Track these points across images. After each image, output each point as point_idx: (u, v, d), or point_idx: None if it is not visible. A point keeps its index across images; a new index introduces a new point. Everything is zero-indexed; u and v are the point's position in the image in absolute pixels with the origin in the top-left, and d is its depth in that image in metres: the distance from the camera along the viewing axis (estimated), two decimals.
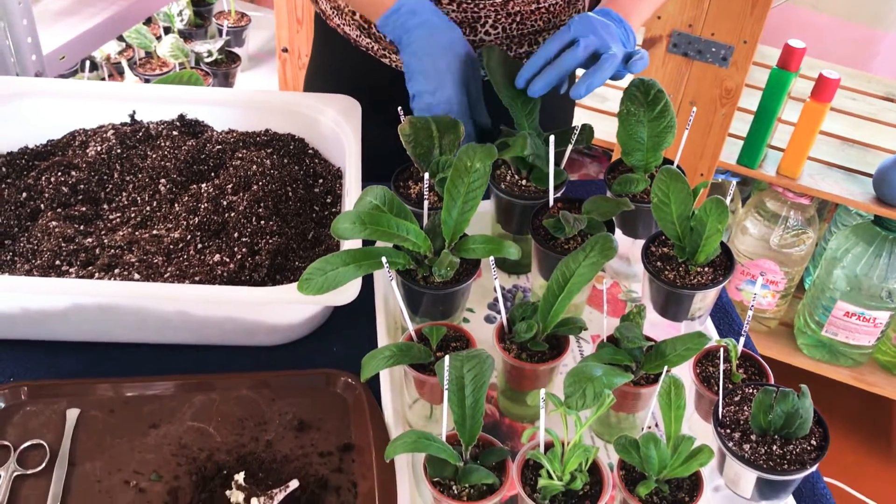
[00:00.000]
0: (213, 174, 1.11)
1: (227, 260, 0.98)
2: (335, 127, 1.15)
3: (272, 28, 2.30)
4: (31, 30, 1.40)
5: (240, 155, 1.11)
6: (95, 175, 1.09)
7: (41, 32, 1.43)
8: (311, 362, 0.98)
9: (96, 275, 0.96)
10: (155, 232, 1.02)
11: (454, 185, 0.91)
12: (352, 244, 0.94)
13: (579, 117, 1.34)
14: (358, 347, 0.92)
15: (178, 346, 0.99)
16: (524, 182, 1.04)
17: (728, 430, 0.80)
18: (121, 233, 1.03)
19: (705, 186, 1.00)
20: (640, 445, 0.76)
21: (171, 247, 0.99)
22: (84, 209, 1.06)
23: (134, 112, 1.17)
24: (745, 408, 0.82)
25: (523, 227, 1.05)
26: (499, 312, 0.90)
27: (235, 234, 1.01)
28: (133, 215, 1.06)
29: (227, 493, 0.82)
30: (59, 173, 1.08)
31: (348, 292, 0.90)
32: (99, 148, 1.11)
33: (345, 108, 1.16)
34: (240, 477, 0.83)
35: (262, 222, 1.02)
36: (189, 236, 1.01)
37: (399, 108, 1.04)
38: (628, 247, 1.11)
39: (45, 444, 0.87)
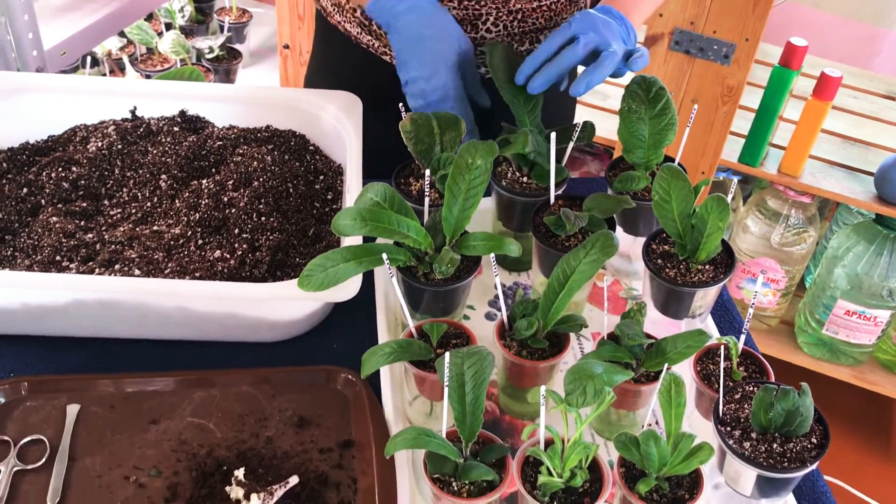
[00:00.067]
0: (213, 170, 1.11)
1: (228, 256, 0.98)
2: (336, 123, 1.15)
3: (273, 24, 2.30)
4: (32, 25, 1.40)
5: (240, 151, 1.11)
6: (96, 171, 1.09)
7: (42, 28, 1.43)
8: (312, 359, 0.98)
9: (97, 270, 0.96)
10: (155, 228, 1.02)
11: (455, 182, 0.91)
12: (352, 241, 0.94)
13: (581, 115, 1.34)
14: (358, 344, 0.91)
15: (178, 341, 0.99)
16: (525, 179, 1.04)
17: (728, 428, 0.80)
18: (121, 228, 1.03)
19: (706, 184, 1.00)
20: (640, 443, 0.76)
21: (172, 243, 0.99)
22: (85, 205, 1.06)
23: (135, 108, 1.17)
24: (746, 405, 0.82)
25: (524, 224, 1.05)
26: (499, 309, 0.90)
27: (236, 231, 1.01)
28: (134, 211, 1.06)
29: (227, 489, 0.82)
30: (60, 169, 1.08)
31: (349, 289, 0.90)
32: (100, 144, 1.11)
33: (346, 105, 1.16)
34: (240, 473, 0.83)
35: (263, 219, 1.02)
36: (190, 232, 1.00)
37: (400, 104, 1.03)
38: (629, 244, 1.11)
39: (45, 440, 0.87)
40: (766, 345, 2.19)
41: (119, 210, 1.06)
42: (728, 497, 0.85)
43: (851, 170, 2.00)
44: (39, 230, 1.01)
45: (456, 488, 0.77)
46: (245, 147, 1.12)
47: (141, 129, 1.14)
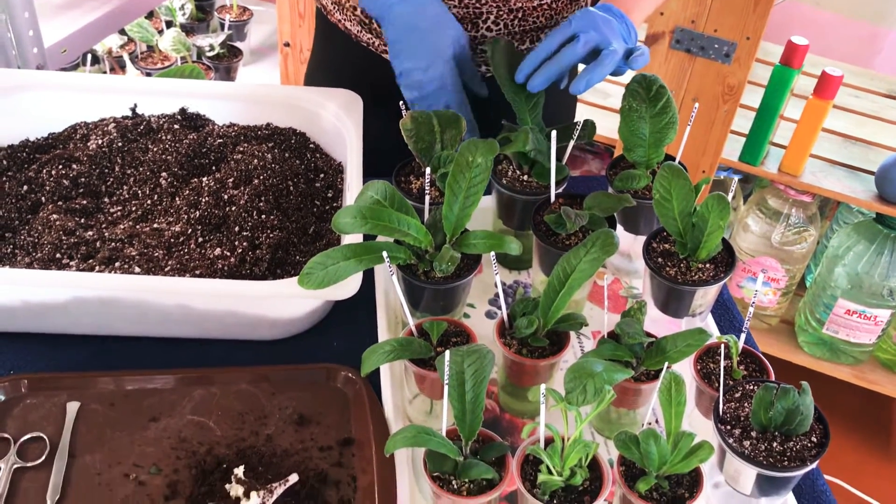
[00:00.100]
0: (214, 168, 1.11)
1: (228, 254, 0.98)
2: (336, 121, 1.15)
3: (274, 22, 2.30)
4: (32, 22, 1.40)
5: (241, 149, 1.11)
6: (96, 168, 1.09)
7: (43, 25, 1.43)
8: (312, 357, 0.98)
9: (97, 268, 0.96)
10: (156, 225, 1.02)
11: (455, 180, 0.91)
12: (353, 239, 0.94)
13: (581, 113, 1.34)
14: (358, 342, 0.91)
15: (178, 339, 0.99)
16: (526, 177, 1.04)
17: (728, 427, 0.80)
18: (121, 226, 1.03)
19: (707, 183, 1.00)
20: (640, 441, 0.76)
21: (172, 240, 0.99)
22: (85, 202, 1.06)
23: (135, 105, 1.17)
24: (746, 404, 0.82)
25: (524, 222, 1.05)
26: (499, 308, 0.90)
27: (236, 228, 1.01)
28: (134, 209, 1.06)
29: (227, 486, 0.82)
30: (60, 166, 1.08)
31: (349, 287, 0.90)
32: (100, 141, 1.11)
33: (346, 103, 1.16)
34: (239, 471, 0.83)
35: (263, 216, 1.02)
36: (190, 230, 1.00)
37: (401, 102, 1.03)
38: (630, 243, 1.11)
39: (45, 437, 0.87)
40: (767, 344, 2.19)
41: (119, 208, 1.06)
42: (728, 496, 0.85)
43: (852, 169, 2.00)
44: (40, 228, 1.01)
45: (456, 486, 0.77)
46: (245, 145, 1.12)
47: (141, 127, 1.14)
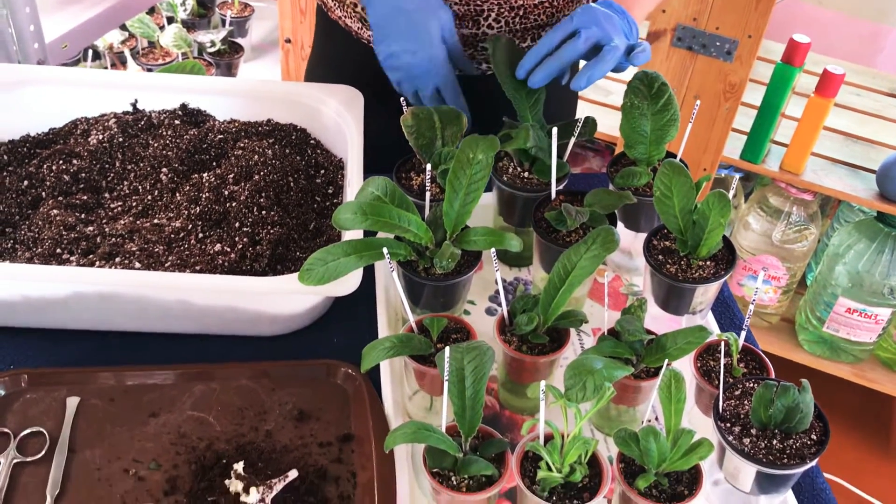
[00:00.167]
0: (214, 164, 1.10)
1: (228, 250, 0.98)
2: (337, 117, 1.15)
3: (275, 18, 2.29)
4: (33, 17, 1.40)
5: (241, 145, 1.11)
6: (97, 163, 1.09)
7: (44, 20, 1.43)
8: (312, 353, 0.98)
9: (97, 263, 0.96)
10: (156, 221, 1.02)
11: (456, 176, 0.91)
12: (353, 235, 0.94)
13: (583, 111, 1.33)
14: (358, 338, 0.91)
15: (178, 335, 0.99)
16: (526, 174, 1.04)
17: (728, 424, 0.80)
18: (122, 221, 1.03)
19: (708, 180, 1.00)
20: (639, 438, 0.76)
21: (172, 236, 0.99)
22: (85, 197, 1.06)
23: (136, 101, 1.17)
24: (746, 402, 0.82)
25: (525, 219, 1.05)
26: (500, 305, 0.90)
27: (237, 224, 1.01)
28: (134, 204, 1.06)
29: (227, 482, 0.82)
30: (61, 161, 1.08)
31: (349, 283, 0.90)
32: (101, 136, 1.11)
33: (347, 99, 1.16)
34: (239, 466, 0.83)
35: (264, 212, 1.02)
36: (190, 226, 1.00)
37: (401, 98, 1.03)
38: (630, 240, 1.11)
39: (44, 432, 0.87)
40: (767, 342, 2.19)
41: (120, 203, 1.06)
42: (727, 493, 0.85)
43: (853, 167, 1.99)
44: (40, 223, 1.01)
45: (455, 483, 0.77)
46: (246, 141, 1.12)
47: (142, 123, 1.14)
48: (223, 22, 2.48)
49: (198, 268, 0.95)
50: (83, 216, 1.03)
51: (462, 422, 0.78)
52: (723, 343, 0.86)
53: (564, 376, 0.78)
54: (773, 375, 0.87)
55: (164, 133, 1.12)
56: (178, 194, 1.06)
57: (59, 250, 0.97)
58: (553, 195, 1.00)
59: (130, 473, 0.84)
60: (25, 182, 1.06)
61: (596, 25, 0.98)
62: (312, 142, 1.17)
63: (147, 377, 0.93)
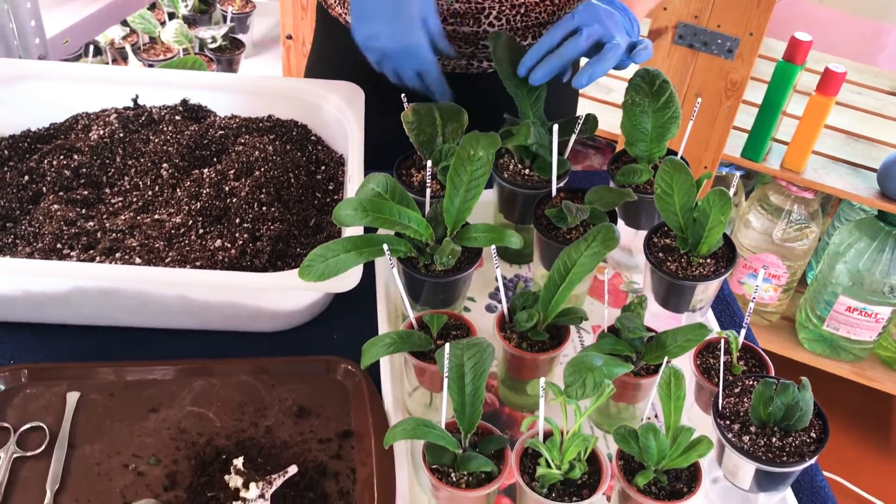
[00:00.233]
0: (215, 159, 1.10)
1: (229, 245, 0.98)
2: (338, 114, 1.15)
3: (277, 15, 2.29)
4: (34, 12, 1.40)
5: (242, 141, 1.11)
6: (98, 159, 1.09)
7: (45, 15, 1.43)
8: (312, 349, 0.98)
9: (97, 259, 0.96)
10: (157, 216, 1.02)
11: (457, 173, 0.91)
12: (353, 231, 0.94)
13: (584, 108, 1.33)
14: (358, 334, 0.91)
15: (178, 330, 0.99)
16: (527, 171, 1.04)
17: (727, 422, 0.80)
18: (122, 217, 1.03)
19: (709, 178, 1.00)
20: (639, 436, 0.76)
21: (173, 231, 0.99)
22: (86, 193, 1.06)
23: (137, 96, 1.17)
24: (745, 399, 0.82)
25: (526, 216, 1.05)
26: (500, 302, 0.90)
27: (237, 220, 1.01)
28: (135, 200, 1.06)
29: (226, 477, 0.82)
30: (62, 157, 1.08)
31: (349, 279, 0.90)
32: (101, 132, 1.11)
33: (348, 95, 1.16)
34: (239, 462, 0.83)
35: (264, 208, 1.02)
36: (191, 221, 1.00)
37: (402, 95, 1.03)
38: (630, 238, 1.11)
39: (44, 427, 0.87)
40: (767, 341, 2.19)
41: (120, 198, 1.06)
42: (727, 491, 0.85)
43: (854, 166, 1.99)
44: (40, 218, 1.01)
45: (454, 479, 0.77)
46: (247, 137, 1.12)
47: (143, 118, 1.14)
48: (224, 18, 2.47)
49: (198, 263, 0.95)
50: (84, 211, 1.03)
51: (462, 418, 0.78)
52: (722, 341, 0.86)
53: (564, 373, 0.78)
54: (772, 373, 0.87)
55: (165, 129, 1.12)
56: (178, 190, 1.06)
57: (59, 245, 0.97)
58: (554, 192, 1.00)
59: (130, 468, 0.84)
60: (26, 177, 1.06)
61: (597, 23, 0.98)
62: (313, 138, 1.17)
63: (147, 372, 0.93)
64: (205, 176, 1.06)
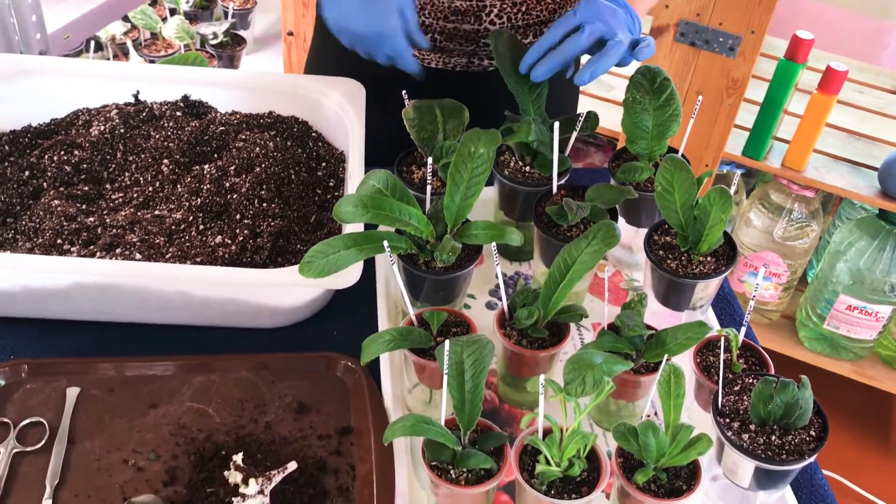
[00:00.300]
0: (215, 156, 1.10)
1: (229, 241, 0.98)
2: (339, 110, 1.15)
3: (278, 11, 2.29)
4: (35, 7, 1.40)
5: (243, 137, 1.11)
6: (98, 154, 1.09)
7: (46, 11, 1.43)
8: (312, 345, 0.98)
9: (98, 254, 0.96)
10: (157, 212, 1.02)
11: (457, 170, 0.91)
12: (354, 228, 0.94)
13: (585, 106, 1.34)
14: (358, 331, 0.91)
15: (178, 326, 0.99)
16: (528, 168, 1.04)
17: (727, 420, 0.80)
18: (123, 213, 1.03)
19: (710, 176, 0.99)
20: (638, 433, 0.76)
21: (173, 227, 0.99)
22: (86, 188, 1.06)
23: (138, 92, 1.17)
24: (745, 397, 0.82)
25: (526, 213, 1.05)
26: (500, 299, 0.90)
27: (237, 216, 1.01)
28: (135, 195, 1.06)
29: (226, 473, 0.82)
30: (62, 152, 1.08)
31: (349, 276, 0.90)
32: (102, 127, 1.11)
33: (349, 92, 1.16)
34: (238, 458, 0.83)
35: (265, 204, 1.02)
36: (191, 217, 1.00)
37: (403, 92, 1.03)
38: (631, 235, 1.10)
39: (44, 422, 0.87)
40: (767, 339, 2.19)
41: (121, 194, 1.06)
42: (726, 489, 0.85)
43: (856, 164, 1.99)
44: (41, 213, 1.01)
45: (454, 476, 0.77)
46: (247, 133, 1.12)
47: (143, 114, 1.14)
48: (226, 14, 2.47)
49: (198, 259, 0.95)
50: (84, 207, 1.03)
51: (461, 415, 0.78)
52: (722, 339, 0.86)
53: (564, 371, 0.78)
54: (772, 372, 0.87)
55: (166, 124, 1.12)
56: (179, 186, 1.06)
57: (59, 241, 0.97)
58: (554, 190, 1.00)
59: (130, 464, 0.84)
60: (27, 172, 1.06)
61: (600, 20, 0.98)
62: (314, 134, 1.17)
63: (147, 368, 0.93)
64: (205, 172, 1.06)
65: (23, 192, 1.05)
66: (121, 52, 2.34)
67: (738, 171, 0.98)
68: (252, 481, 0.81)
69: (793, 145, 1.92)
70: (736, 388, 0.83)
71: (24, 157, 1.08)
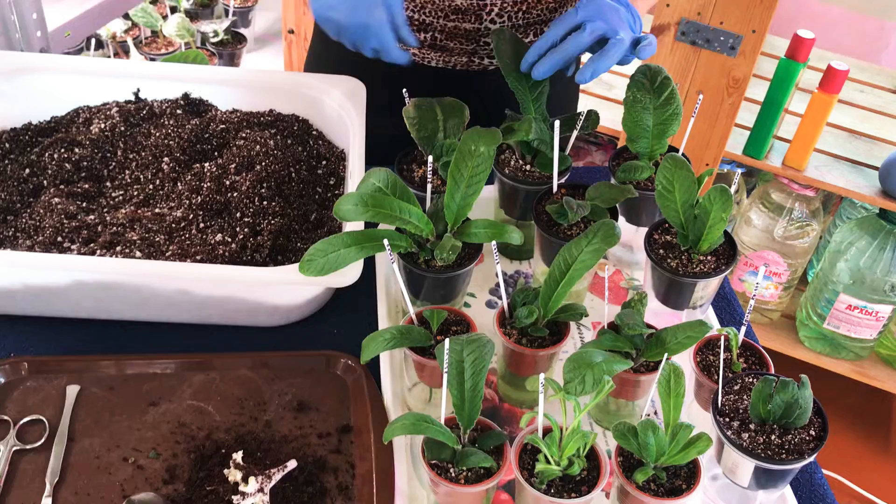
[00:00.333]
0: (216, 154, 1.10)
1: (229, 240, 0.98)
2: (339, 109, 1.15)
3: (279, 9, 2.29)
4: (36, 5, 1.40)
5: (243, 135, 1.10)
6: (99, 152, 1.09)
7: (47, 8, 1.43)
8: (312, 343, 0.98)
9: (98, 252, 0.96)
10: (157, 210, 1.02)
11: (458, 168, 0.91)
12: (354, 226, 0.94)
13: (585, 105, 1.34)
14: (358, 330, 0.91)
15: (178, 324, 0.99)
16: (528, 167, 1.04)
17: (727, 419, 0.80)
18: (123, 211, 1.03)
19: (710, 175, 0.99)
20: (638, 432, 0.76)
21: (174, 225, 0.99)
22: (87, 186, 1.06)
23: (138, 90, 1.17)
24: (745, 397, 0.82)
25: (526, 212, 1.05)
26: (500, 297, 0.90)
27: (238, 214, 1.01)
28: (136, 193, 1.06)
29: (226, 471, 0.82)
30: (63, 150, 1.08)
31: (350, 274, 0.90)
32: (103, 125, 1.11)
33: (350, 90, 1.16)
34: (238, 456, 0.83)
35: (265, 203, 1.02)
36: (191, 215, 1.00)
37: (404, 90, 1.03)
38: (631, 234, 1.10)
39: (44, 420, 0.87)
40: (768, 338, 2.19)
41: (121, 192, 1.06)
42: (725, 488, 0.85)
43: (856, 164, 1.99)
44: (41, 211, 1.01)
45: (453, 474, 0.77)
46: (248, 131, 1.12)
47: (144, 112, 1.14)
48: (226, 12, 2.47)
49: (198, 257, 0.95)
50: (84, 205, 1.03)
51: (461, 414, 0.78)
52: (722, 338, 0.86)
53: (564, 369, 0.78)
54: (772, 371, 0.87)
55: (166, 122, 1.12)
56: (179, 184, 1.06)
57: (59, 238, 0.97)
58: (555, 188, 1.00)
59: (130, 462, 0.84)
60: (27, 170, 1.06)
61: (601, 18, 0.98)
62: (314, 132, 1.17)
63: (147, 366, 0.93)
64: (206, 170, 1.06)
65: (23, 190, 1.05)
66: (121, 50, 2.34)
67: (739, 171, 0.98)
68: (252, 479, 0.81)
69: (793, 144, 1.92)
70: (736, 388, 0.83)
71: (25, 155, 1.08)
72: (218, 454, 0.85)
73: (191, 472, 0.83)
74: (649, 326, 0.86)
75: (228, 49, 2.41)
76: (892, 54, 2.36)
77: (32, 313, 0.98)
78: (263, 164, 1.06)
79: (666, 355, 0.80)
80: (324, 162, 1.14)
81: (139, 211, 1.02)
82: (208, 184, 1.03)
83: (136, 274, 0.91)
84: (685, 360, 0.87)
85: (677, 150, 1.03)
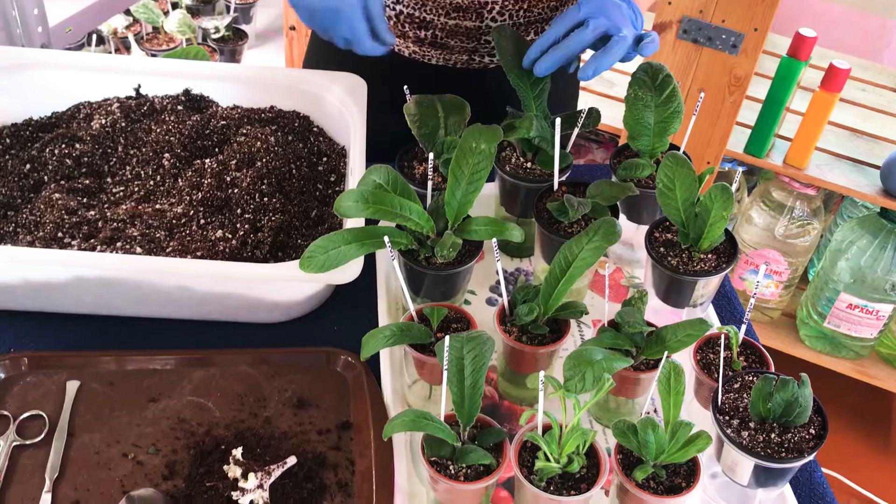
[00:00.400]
0: (217, 150, 1.10)
1: (230, 236, 0.98)
2: (340, 105, 1.15)
3: (280, 6, 2.29)
4: (37, 1, 1.40)
5: (244, 131, 1.10)
6: (99, 148, 1.09)
7: (48, 4, 1.43)
8: (312, 340, 0.98)
9: (98, 248, 0.96)
10: (158, 206, 1.02)
11: (458, 165, 0.91)
12: (355, 223, 0.94)
13: (586, 102, 1.33)
14: (358, 326, 0.92)
15: (178, 320, 0.99)
16: (529, 164, 1.04)
17: (727, 417, 0.80)
18: (124, 206, 1.03)
19: (711, 173, 0.99)
20: (638, 430, 0.76)
21: (174, 221, 0.99)
22: (87, 182, 1.06)
23: (139, 86, 1.17)
24: (745, 395, 0.82)
25: (527, 209, 1.05)
26: (500, 295, 0.90)
27: (238, 211, 1.01)
28: (136, 189, 1.06)
29: (225, 467, 0.82)
30: (63, 146, 1.08)
31: (350, 271, 0.90)
32: (103, 121, 1.10)
33: (351, 87, 1.16)
34: (238, 452, 0.83)
35: (266, 199, 1.02)
36: (192, 211, 1.00)
37: (405, 86, 1.03)
38: (632, 232, 1.10)
39: (44, 416, 0.87)
40: (768, 337, 2.19)
41: (122, 188, 1.06)
42: (725, 486, 0.85)
43: (857, 163, 1.99)
44: (42, 206, 1.01)
45: (453, 472, 0.77)
46: (249, 127, 1.12)
47: (145, 108, 1.14)
48: (228, 8, 2.47)
49: (199, 254, 0.95)
50: (85, 200, 1.03)
51: (461, 411, 0.78)
52: (723, 336, 0.86)
53: (564, 367, 0.78)
54: (772, 369, 0.87)
55: (167, 118, 1.12)
56: (180, 180, 1.06)
57: (60, 234, 0.97)
58: (555, 186, 1.00)
59: (129, 458, 0.84)
60: (28, 166, 1.06)
61: (604, 15, 0.97)
62: (315, 129, 1.17)
63: (147, 362, 0.93)
64: (206, 166, 1.06)
65: (24, 186, 1.05)
66: (122, 46, 2.34)
67: (740, 169, 0.98)
68: (251, 475, 0.81)
69: (795, 143, 1.92)
70: (736, 386, 0.83)
71: (25, 151, 1.08)
72: (218, 450, 0.85)
73: (190, 468, 0.83)
74: (649, 324, 0.86)
75: (230, 45, 2.40)
76: (893, 53, 2.36)
77: (33, 309, 0.98)
78: (264, 160, 1.06)
79: (666, 353, 0.80)
80: (324, 158, 1.14)
81: (140, 207, 1.02)
82: (209, 180, 1.03)
83: (136, 270, 0.91)
84: (685, 359, 0.87)
85: (678, 149, 1.03)
